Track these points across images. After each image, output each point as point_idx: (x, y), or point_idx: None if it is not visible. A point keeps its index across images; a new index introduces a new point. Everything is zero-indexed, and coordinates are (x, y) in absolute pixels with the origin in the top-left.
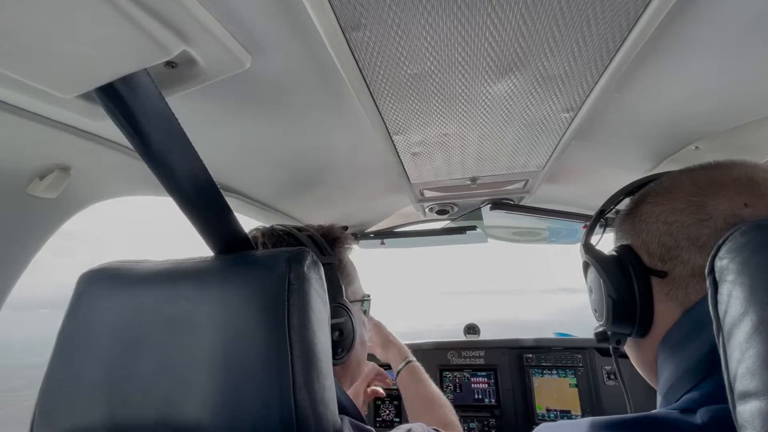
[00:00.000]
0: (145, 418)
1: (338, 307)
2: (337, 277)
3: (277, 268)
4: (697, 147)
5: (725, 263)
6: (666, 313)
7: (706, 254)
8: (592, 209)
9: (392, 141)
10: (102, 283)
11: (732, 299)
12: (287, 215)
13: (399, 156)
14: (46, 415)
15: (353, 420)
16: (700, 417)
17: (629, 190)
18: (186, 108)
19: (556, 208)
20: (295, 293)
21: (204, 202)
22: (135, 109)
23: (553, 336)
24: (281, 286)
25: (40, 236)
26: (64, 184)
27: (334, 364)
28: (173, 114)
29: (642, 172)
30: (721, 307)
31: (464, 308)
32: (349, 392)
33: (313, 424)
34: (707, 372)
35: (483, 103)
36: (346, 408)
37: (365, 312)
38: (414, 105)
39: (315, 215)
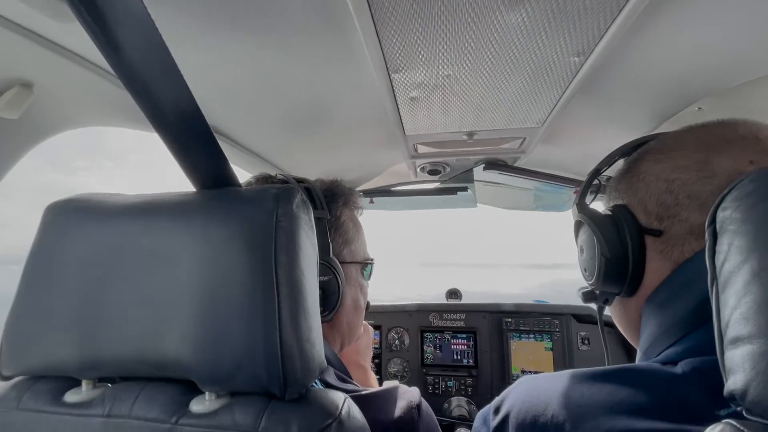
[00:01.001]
0: (121, 354)
1: (322, 264)
2: (326, 233)
3: (264, 204)
4: (700, 108)
5: (728, 213)
6: (657, 271)
7: (707, 212)
8: (585, 175)
9: (390, 81)
10: (71, 215)
11: (732, 248)
12: (273, 165)
13: (396, 100)
14: (13, 353)
15: (337, 371)
16: (681, 368)
17: (625, 151)
18: (161, 19)
19: (550, 172)
20: (283, 231)
21: (186, 129)
22: (104, 6)
23: (532, 302)
24: (268, 222)
25: (4, 162)
26: (27, 104)
27: None
28: (150, 17)
29: (641, 133)
30: (719, 258)
31: (444, 279)
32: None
33: (299, 361)
34: (690, 328)
35: (491, 41)
36: (331, 361)
37: (367, 276)
38: (418, 36)
39: (303, 168)
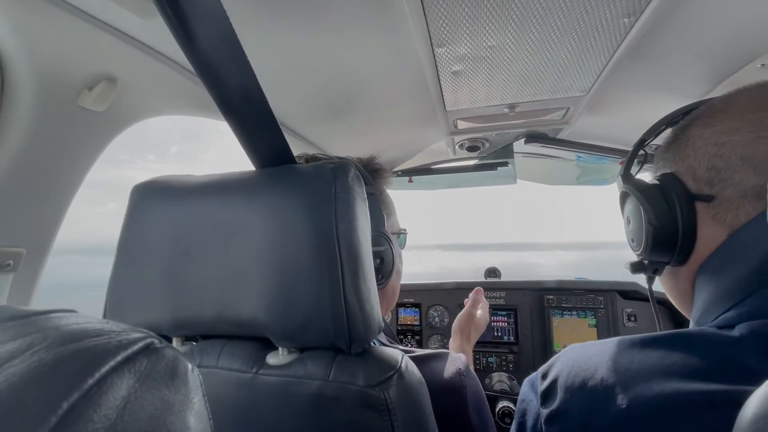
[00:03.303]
0: (205, 315)
1: (380, 236)
2: (379, 207)
3: (323, 178)
4: (763, 65)
5: None
6: (710, 237)
7: (762, 173)
8: (631, 146)
9: (434, 55)
10: (155, 193)
11: None
12: (312, 143)
13: (438, 75)
14: (115, 315)
15: (387, 336)
16: (738, 331)
17: (672, 119)
18: None
19: (594, 143)
20: (342, 202)
21: (251, 112)
22: (185, 3)
23: (574, 279)
24: (328, 194)
25: (93, 150)
26: (112, 97)
27: None
28: (224, 10)
29: (693, 98)
30: None
31: (476, 262)
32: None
33: (361, 319)
34: (748, 292)
35: (538, 6)
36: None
37: (402, 244)
38: (463, 7)
39: (342, 147)
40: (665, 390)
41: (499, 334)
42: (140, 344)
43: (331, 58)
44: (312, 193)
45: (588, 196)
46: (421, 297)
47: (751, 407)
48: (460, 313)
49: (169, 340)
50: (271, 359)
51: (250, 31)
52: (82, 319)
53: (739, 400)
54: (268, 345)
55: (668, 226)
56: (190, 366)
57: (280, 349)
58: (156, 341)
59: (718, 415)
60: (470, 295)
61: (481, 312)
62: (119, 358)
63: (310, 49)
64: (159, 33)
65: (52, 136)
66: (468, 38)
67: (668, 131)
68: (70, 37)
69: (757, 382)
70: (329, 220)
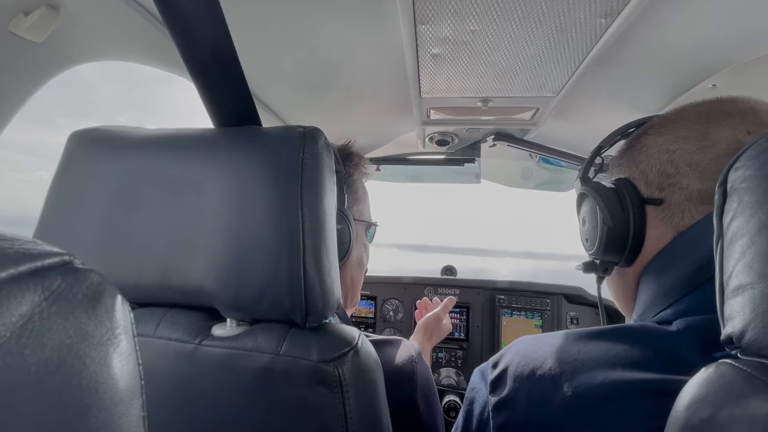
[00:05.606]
0: (145, 278)
1: (338, 213)
2: (342, 185)
3: (291, 141)
4: (714, 85)
5: (741, 172)
6: (657, 239)
7: (706, 179)
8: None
9: (416, 33)
10: (96, 143)
11: (741, 205)
12: (280, 117)
13: (418, 56)
14: None
15: (342, 321)
16: (675, 326)
17: (625, 130)
18: None
19: (558, 148)
20: (309, 169)
21: (220, 67)
22: None
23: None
24: (295, 158)
25: (24, 89)
26: (52, 27)
27: None
28: None
29: (650, 112)
30: (727, 216)
31: (434, 264)
32: None
33: (320, 292)
34: (685, 291)
35: None
36: (336, 311)
37: (370, 238)
38: None
39: (312, 124)
40: (608, 379)
41: (451, 330)
42: (54, 259)
43: (311, 30)
44: (277, 156)
45: (541, 209)
46: (377, 289)
47: (686, 394)
48: (429, 314)
49: None
50: (218, 330)
51: None
52: None
53: (674, 389)
54: (215, 316)
55: (621, 227)
56: (119, 297)
57: (228, 320)
58: (77, 261)
59: (655, 402)
60: (444, 301)
61: (447, 319)
62: (22, 267)
63: (287, 18)
64: None
65: None
66: (452, 18)
67: (622, 141)
68: None
69: (692, 373)
70: (294, 186)
